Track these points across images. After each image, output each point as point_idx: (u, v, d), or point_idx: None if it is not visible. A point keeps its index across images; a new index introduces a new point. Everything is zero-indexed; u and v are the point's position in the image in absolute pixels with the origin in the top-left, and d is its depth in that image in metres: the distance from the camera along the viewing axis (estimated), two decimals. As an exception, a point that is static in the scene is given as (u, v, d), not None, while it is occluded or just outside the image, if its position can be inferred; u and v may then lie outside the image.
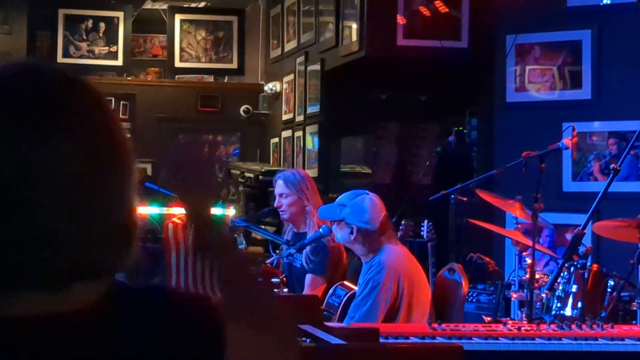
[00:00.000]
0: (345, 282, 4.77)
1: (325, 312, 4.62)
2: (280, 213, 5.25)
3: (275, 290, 4.44)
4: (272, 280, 4.55)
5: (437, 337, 3.63)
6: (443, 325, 3.76)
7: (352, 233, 4.49)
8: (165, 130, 10.86)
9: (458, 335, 3.67)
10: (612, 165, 4.23)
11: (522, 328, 3.80)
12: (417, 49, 7.58)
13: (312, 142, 8.90)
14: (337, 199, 4.66)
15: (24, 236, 1.20)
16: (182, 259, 2.23)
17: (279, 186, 5.23)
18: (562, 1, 7.14)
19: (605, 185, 4.18)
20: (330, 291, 4.66)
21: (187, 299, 1.35)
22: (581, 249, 4.71)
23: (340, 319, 4.42)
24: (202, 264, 2.28)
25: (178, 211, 2.23)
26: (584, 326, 3.83)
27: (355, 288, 4.59)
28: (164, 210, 2.24)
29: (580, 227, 4.21)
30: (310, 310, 3.44)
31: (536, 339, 3.66)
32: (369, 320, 4.28)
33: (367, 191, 4.70)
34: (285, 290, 4.68)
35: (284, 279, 4.70)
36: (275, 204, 5.25)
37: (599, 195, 4.21)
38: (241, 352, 1.34)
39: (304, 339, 2.85)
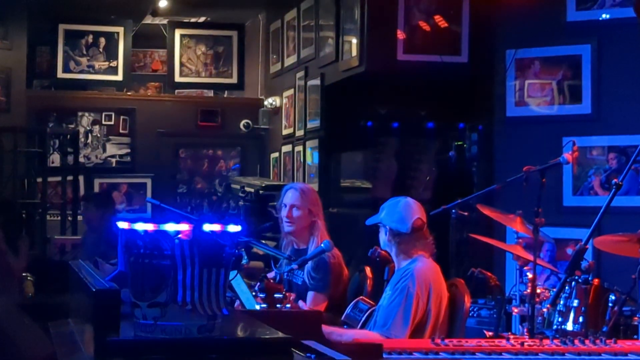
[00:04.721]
0: (366, 298, 4.84)
1: (344, 325, 4.64)
2: (286, 225, 5.17)
3: (278, 305, 4.43)
4: (275, 295, 4.53)
5: (440, 353, 3.62)
6: (446, 341, 3.75)
7: (386, 234, 4.60)
8: (165, 145, 10.88)
9: (461, 350, 3.65)
10: (614, 180, 4.23)
11: (525, 343, 3.79)
12: (417, 64, 7.60)
13: (312, 157, 8.90)
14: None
15: None
16: (188, 276, 2.24)
17: (290, 197, 5.17)
18: (561, 16, 7.17)
19: (608, 199, 4.17)
20: (352, 304, 4.72)
21: None
22: (584, 264, 4.70)
23: None
24: (208, 281, 2.28)
25: (184, 227, 2.24)
26: (587, 341, 3.82)
27: (374, 304, 4.65)
28: (171, 226, 2.25)
29: (583, 242, 4.20)
30: (312, 326, 3.43)
31: (539, 354, 3.65)
32: (401, 328, 4.32)
33: (407, 197, 4.79)
34: (288, 306, 4.66)
35: (287, 294, 4.68)
36: (285, 214, 5.16)
37: (602, 210, 4.20)
38: None
39: (307, 354, 2.84)
